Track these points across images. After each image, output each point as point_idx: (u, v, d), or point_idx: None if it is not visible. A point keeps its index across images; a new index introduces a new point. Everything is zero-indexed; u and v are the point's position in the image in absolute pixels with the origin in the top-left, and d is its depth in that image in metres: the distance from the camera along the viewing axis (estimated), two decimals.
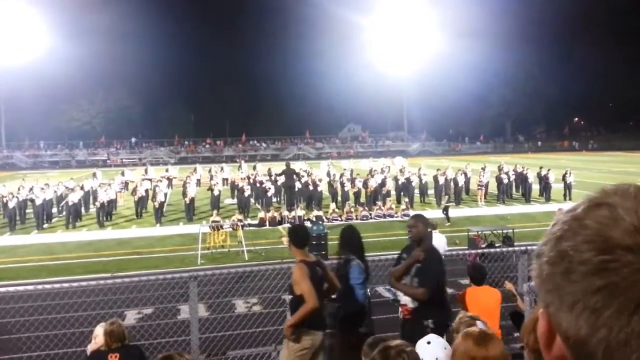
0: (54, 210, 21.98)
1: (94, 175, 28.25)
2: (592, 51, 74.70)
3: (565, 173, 24.36)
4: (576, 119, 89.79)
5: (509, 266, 9.53)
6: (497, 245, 13.12)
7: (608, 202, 0.62)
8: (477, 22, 63.80)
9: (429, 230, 6.50)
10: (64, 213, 20.82)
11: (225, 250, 15.01)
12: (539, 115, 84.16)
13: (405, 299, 5.35)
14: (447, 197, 21.15)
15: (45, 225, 20.33)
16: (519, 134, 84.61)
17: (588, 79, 75.95)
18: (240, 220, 17.16)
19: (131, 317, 9.36)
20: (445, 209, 19.71)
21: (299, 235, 5.26)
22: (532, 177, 24.79)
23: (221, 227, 15.73)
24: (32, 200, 20.33)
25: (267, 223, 19.24)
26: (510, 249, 9.06)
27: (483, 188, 24.21)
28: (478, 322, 2.50)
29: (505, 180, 24.56)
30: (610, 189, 0.65)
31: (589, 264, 0.58)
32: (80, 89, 67.99)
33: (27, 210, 21.22)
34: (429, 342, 3.32)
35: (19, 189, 21.61)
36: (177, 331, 7.30)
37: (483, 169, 25.37)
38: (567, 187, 23.91)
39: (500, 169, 25.81)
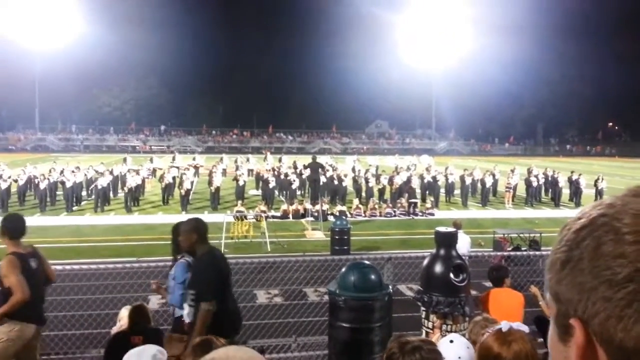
0: (84, 193, 22.47)
1: (125, 160, 28.77)
2: (629, 52, 72.50)
3: (598, 179, 23.84)
4: (610, 123, 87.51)
5: (535, 270, 9.37)
6: (523, 249, 12.90)
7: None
8: (509, 19, 62.60)
9: (455, 230, 6.41)
10: (93, 196, 21.26)
11: (248, 241, 15.13)
12: (572, 118, 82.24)
13: (179, 311, 4.84)
14: (406, 194, 21.16)
15: (74, 208, 20.80)
16: (550, 136, 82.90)
17: (625, 81, 73.77)
18: (264, 212, 17.25)
19: (155, 301, 9.51)
20: (412, 205, 20.31)
21: (14, 226, 4.94)
22: (562, 182, 24.29)
23: (245, 217, 15.85)
24: (63, 183, 20.81)
25: (290, 215, 19.30)
26: (537, 253, 8.90)
27: (511, 190, 23.81)
28: (503, 322, 2.45)
29: (535, 184, 24.12)
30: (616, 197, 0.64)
31: None
32: (112, 76, 69.31)
33: (58, 192, 21.74)
34: (451, 341, 3.28)
35: (50, 171, 22.15)
36: None
37: (512, 170, 24.96)
38: (599, 193, 23.36)
39: (529, 171, 25.34)
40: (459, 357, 3.13)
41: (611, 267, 0.57)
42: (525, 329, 2.45)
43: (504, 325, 2.41)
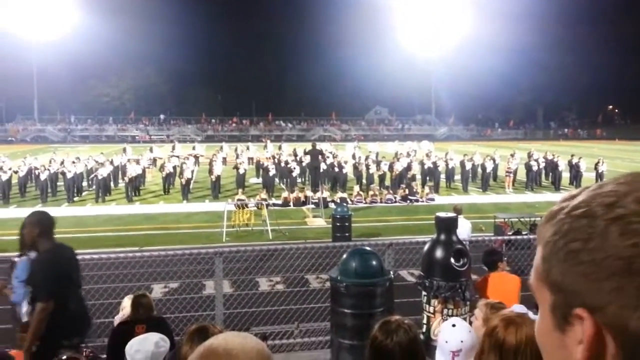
0: (84, 183, 22.48)
1: (124, 150, 28.74)
2: (629, 36, 72.01)
3: (598, 162, 23.84)
4: (610, 107, 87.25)
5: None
6: (524, 233, 12.92)
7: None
8: (509, 3, 62.05)
9: (456, 215, 6.42)
10: (94, 187, 21.28)
11: (250, 229, 15.17)
12: (571, 102, 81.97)
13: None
14: (407, 189, 21.10)
15: (75, 198, 20.82)
16: (550, 120, 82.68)
17: (624, 65, 73.43)
18: (265, 200, 17.28)
19: (158, 290, 9.56)
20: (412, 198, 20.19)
21: None
22: (562, 165, 24.29)
23: (246, 205, 15.87)
24: (63, 174, 20.81)
25: (291, 203, 19.33)
26: None
27: (511, 175, 23.80)
28: (515, 307, 2.46)
29: (535, 168, 24.11)
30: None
31: None
32: (110, 66, 68.93)
33: (58, 183, 21.75)
34: (454, 325, 3.31)
35: (50, 162, 22.15)
36: (202, 305, 7.44)
37: (512, 155, 24.94)
38: (599, 176, 23.36)
39: (530, 155, 25.32)
40: (462, 341, 3.15)
41: (623, 257, 0.57)
42: (531, 314, 2.46)
43: (518, 309, 2.41)
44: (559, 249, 0.63)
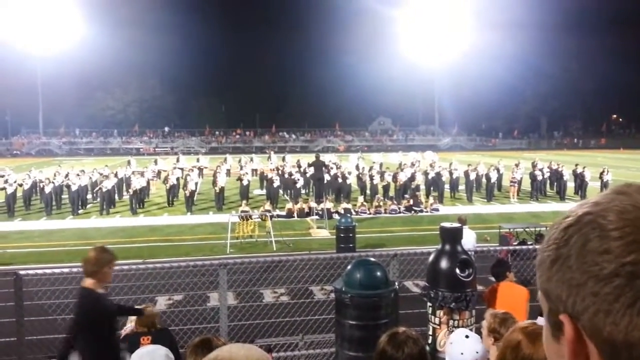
0: (89, 196, 22.53)
1: (129, 163, 28.83)
2: (633, 44, 72.07)
3: (603, 171, 23.76)
4: (614, 115, 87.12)
5: None
6: (529, 243, 12.86)
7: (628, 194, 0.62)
8: (512, 13, 62.34)
9: (460, 225, 6.40)
10: (98, 199, 21.34)
11: (254, 240, 15.15)
12: (575, 111, 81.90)
13: None
14: (412, 200, 20.91)
15: (80, 211, 20.86)
16: (554, 130, 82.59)
17: (628, 73, 73.35)
18: (269, 211, 17.27)
19: (162, 302, 9.54)
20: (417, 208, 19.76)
21: None
22: (567, 175, 24.22)
23: (250, 217, 15.86)
24: (68, 186, 20.88)
25: (295, 214, 19.31)
26: None
27: (516, 184, 23.73)
28: (540, 319, 2.39)
29: (540, 177, 24.04)
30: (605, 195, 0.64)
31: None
32: (115, 78, 69.52)
33: (63, 196, 21.82)
34: (467, 336, 3.27)
35: (55, 175, 22.24)
36: (206, 317, 7.42)
37: (517, 165, 24.89)
38: (604, 185, 23.27)
39: (534, 165, 25.26)
40: (477, 352, 3.12)
41: (598, 262, 0.58)
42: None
43: (541, 321, 2.33)
44: (546, 257, 0.65)
